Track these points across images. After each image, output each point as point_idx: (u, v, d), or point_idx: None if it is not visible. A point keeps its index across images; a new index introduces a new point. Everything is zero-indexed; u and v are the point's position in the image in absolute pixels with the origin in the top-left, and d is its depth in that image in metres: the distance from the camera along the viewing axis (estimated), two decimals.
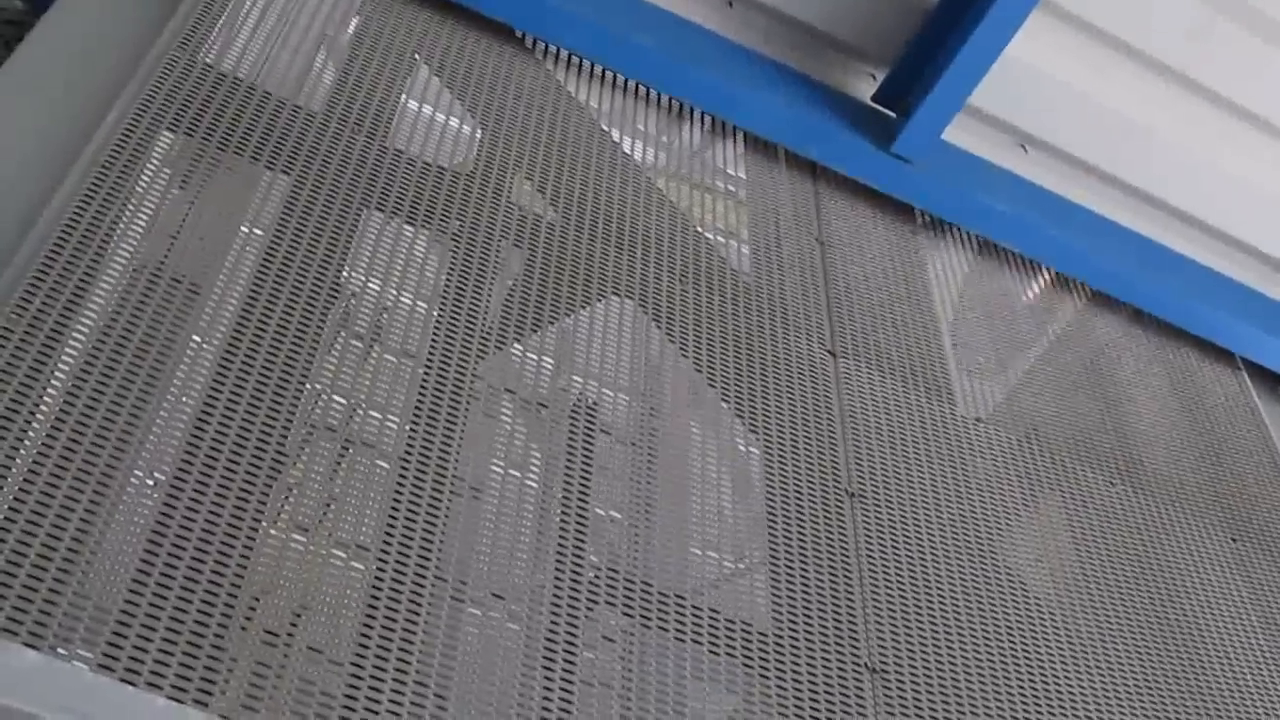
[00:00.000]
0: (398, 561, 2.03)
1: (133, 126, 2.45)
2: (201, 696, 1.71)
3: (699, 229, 3.09)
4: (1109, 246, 3.83)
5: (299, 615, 1.90)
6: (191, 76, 2.62)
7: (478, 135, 2.97)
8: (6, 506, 1.78)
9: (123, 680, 1.68)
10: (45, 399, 1.95)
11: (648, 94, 3.42)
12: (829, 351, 2.97)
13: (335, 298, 2.39)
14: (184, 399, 2.07)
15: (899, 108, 3.57)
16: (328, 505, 2.07)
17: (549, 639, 2.08)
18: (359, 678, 1.86)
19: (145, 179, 2.37)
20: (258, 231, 2.43)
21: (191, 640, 1.77)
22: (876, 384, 2.97)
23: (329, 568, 1.99)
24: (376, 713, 1.83)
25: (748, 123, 3.48)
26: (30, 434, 1.89)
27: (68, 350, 2.03)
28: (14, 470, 1.83)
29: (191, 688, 1.72)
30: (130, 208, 2.30)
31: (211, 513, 1.94)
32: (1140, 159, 3.87)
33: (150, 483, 1.94)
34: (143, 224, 2.30)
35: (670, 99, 3.44)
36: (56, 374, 1.99)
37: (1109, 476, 3.15)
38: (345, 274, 2.45)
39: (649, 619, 2.21)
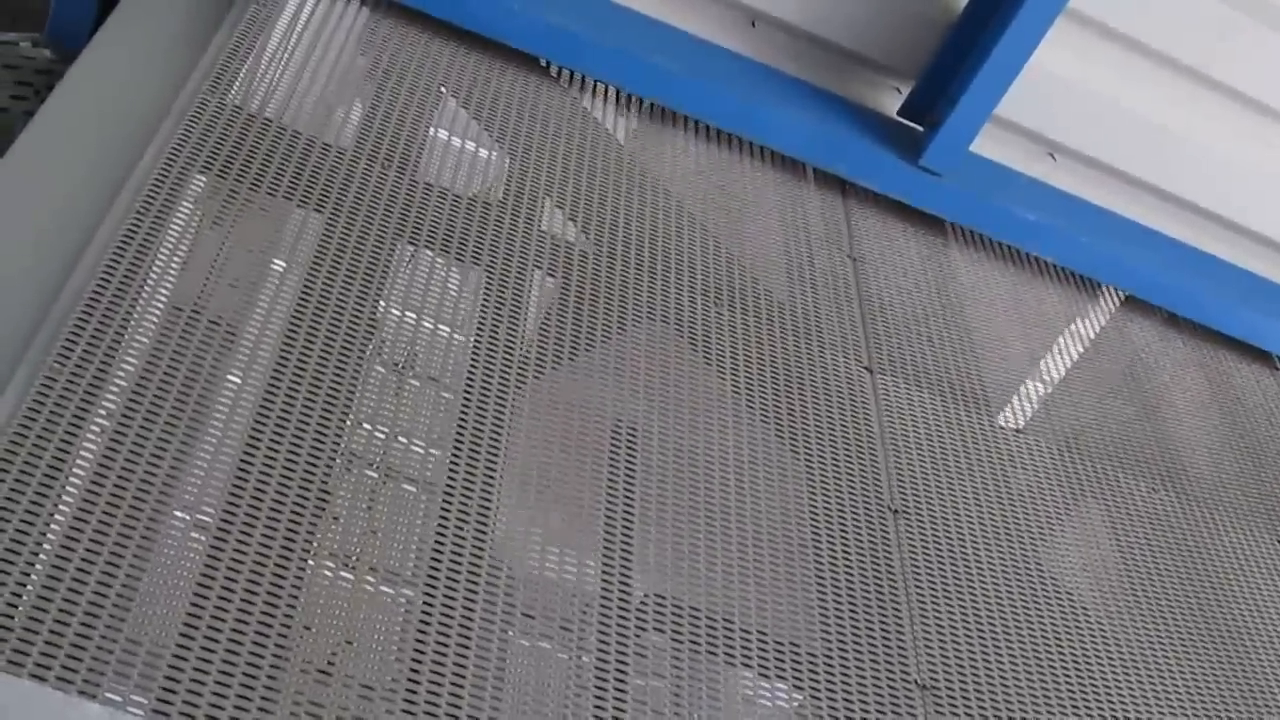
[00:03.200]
0: (446, 592, 2.04)
1: (166, 170, 2.46)
2: None
3: (730, 251, 3.09)
4: (1141, 251, 3.82)
5: (347, 651, 1.90)
6: (222, 118, 2.63)
7: (506, 165, 2.98)
8: (55, 557, 1.79)
9: None
10: (88, 444, 1.96)
11: (674, 117, 3.43)
12: (865, 368, 2.97)
13: (372, 331, 2.40)
14: (227, 439, 2.08)
15: (925, 121, 3.57)
16: (373, 536, 2.08)
17: (599, 665, 2.08)
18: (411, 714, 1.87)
19: (180, 221, 2.39)
20: (293, 269, 2.44)
21: (244, 683, 1.78)
22: (914, 398, 2.96)
23: (377, 602, 1.99)
24: None
25: (775, 141, 3.48)
26: (76, 479, 1.91)
27: (109, 393, 2.04)
28: (61, 516, 1.85)
29: None
30: (166, 251, 2.32)
31: (260, 553, 1.95)
32: (1169, 162, 3.86)
33: (196, 524, 1.95)
34: (179, 266, 2.32)
35: (696, 122, 3.45)
36: (98, 418, 2.00)
37: (1150, 483, 3.14)
38: (381, 307, 2.46)
39: (698, 643, 2.21)
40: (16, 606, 1.72)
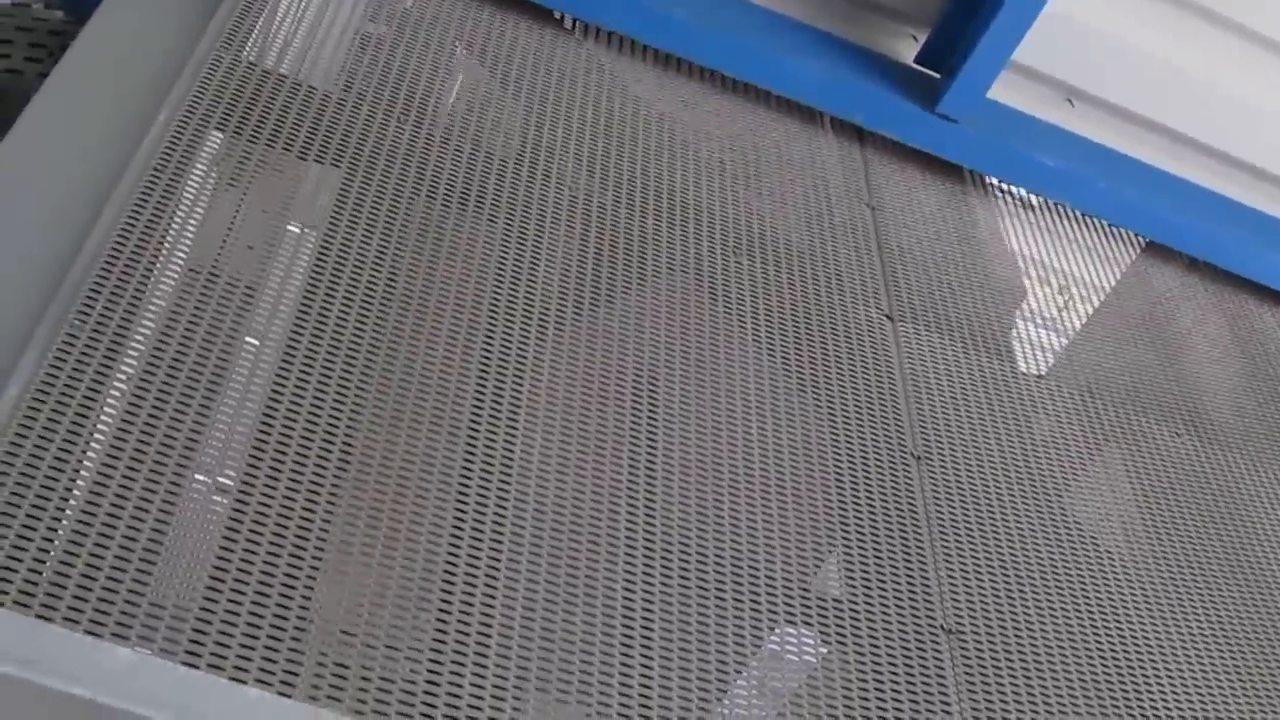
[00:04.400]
0: (471, 544, 2.04)
1: (181, 129, 2.45)
2: (285, 688, 1.73)
3: (749, 201, 3.08)
4: (1161, 196, 3.79)
5: (376, 604, 1.91)
6: (236, 75, 2.63)
7: (523, 118, 2.97)
8: (81, 512, 1.80)
9: (210, 670, 1.70)
10: (111, 400, 1.96)
11: (690, 68, 3.42)
12: (886, 315, 2.96)
13: (391, 286, 2.39)
14: (249, 395, 2.09)
15: (942, 68, 3.54)
16: (401, 488, 2.08)
17: (625, 615, 2.08)
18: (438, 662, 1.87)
19: (196, 179, 2.38)
20: (311, 226, 2.44)
21: (272, 633, 1.78)
22: (936, 346, 2.95)
23: (400, 555, 1.99)
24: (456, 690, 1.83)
25: (791, 91, 3.46)
26: (100, 434, 1.91)
27: (130, 352, 2.04)
28: (86, 471, 1.85)
29: (275, 679, 1.74)
30: (184, 209, 2.31)
31: (284, 507, 1.95)
32: (1188, 106, 3.83)
33: (218, 484, 1.95)
34: (197, 224, 2.31)
35: (711, 72, 3.43)
36: (119, 376, 2.00)
37: (1173, 427, 3.13)
38: (398, 261, 2.46)
39: (724, 592, 2.21)
40: (44, 560, 1.73)
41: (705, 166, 3.11)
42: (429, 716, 1.80)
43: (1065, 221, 3.67)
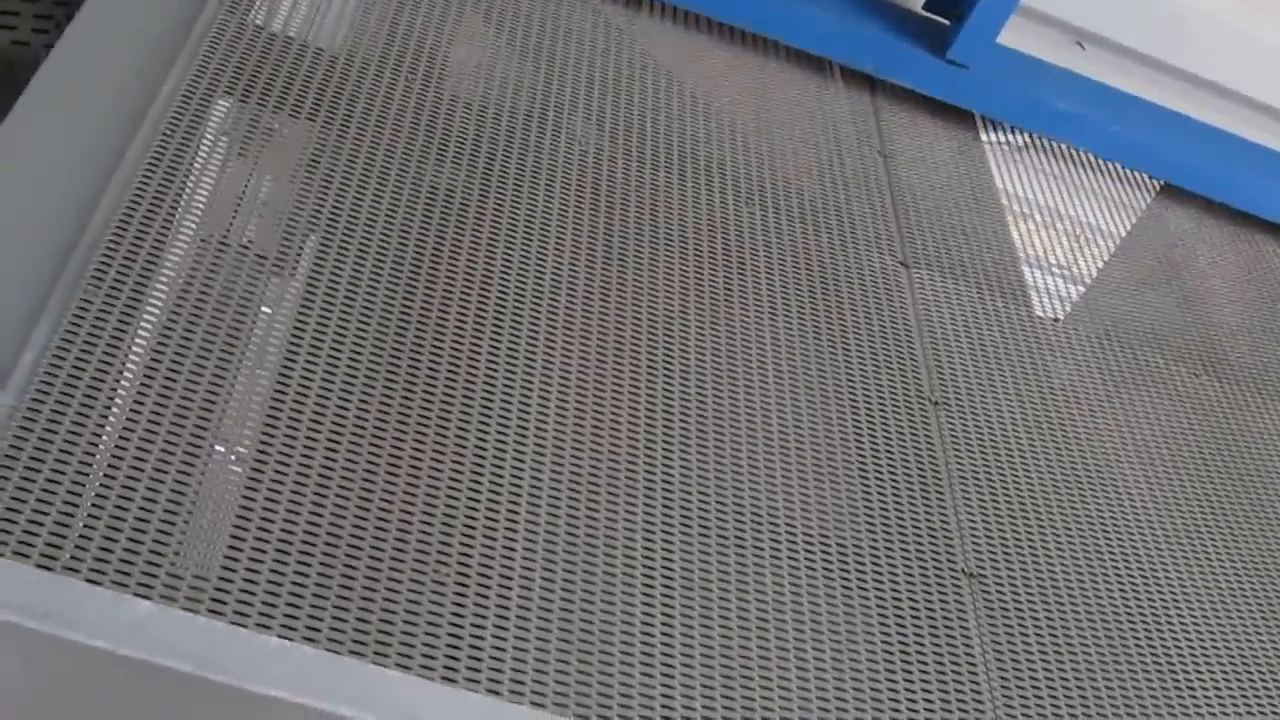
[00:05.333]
0: (490, 496, 2.05)
1: (189, 94, 2.45)
2: (311, 633, 1.75)
3: (761, 152, 3.07)
4: (1175, 138, 3.77)
5: (397, 556, 1.91)
6: (243, 40, 2.62)
7: (532, 75, 2.96)
8: (103, 476, 1.81)
9: (233, 624, 1.71)
10: (133, 357, 1.97)
11: (698, 20, 3.41)
12: (901, 263, 2.95)
13: (404, 246, 2.39)
14: (265, 356, 2.09)
15: (952, 14, 3.52)
16: (417, 448, 2.09)
17: (646, 563, 2.09)
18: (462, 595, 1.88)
19: (206, 145, 2.38)
20: (320, 187, 2.44)
21: (293, 590, 1.79)
22: (950, 292, 2.95)
23: (419, 508, 2.00)
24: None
25: (801, 41, 3.45)
26: (119, 396, 1.92)
27: (147, 313, 2.05)
28: (105, 432, 1.86)
29: (297, 634, 1.75)
30: (194, 174, 2.31)
31: (303, 462, 1.96)
32: (1199, 47, 3.81)
33: (239, 439, 1.96)
34: (207, 189, 2.31)
35: (721, 24, 3.42)
36: (140, 334, 2.01)
37: (1191, 368, 3.12)
38: (409, 220, 2.45)
39: (743, 539, 2.21)
40: (73, 514, 1.74)
41: (716, 119, 3.10)
42: (452, 668, 1.81)
43: (1077, 166, 3.65)
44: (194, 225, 2.24)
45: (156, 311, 2.06)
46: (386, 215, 2.43)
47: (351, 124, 2.58)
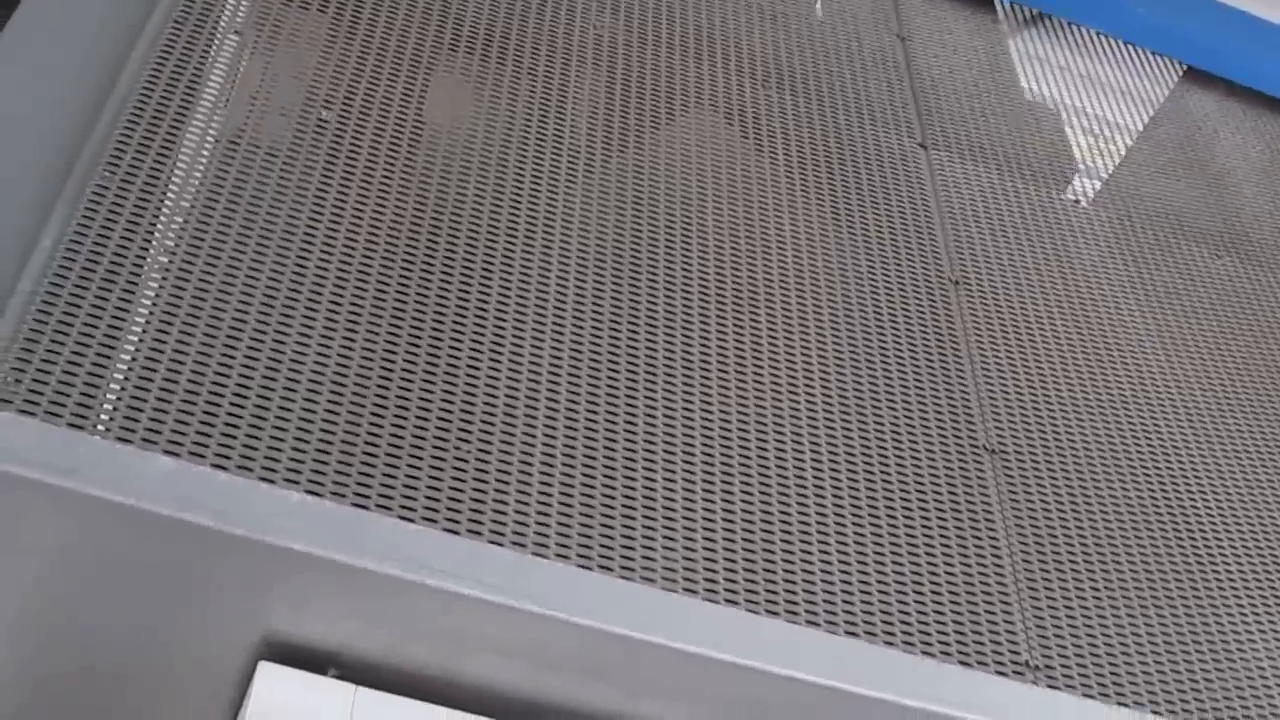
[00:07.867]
0: (508, 389, 2.05)
1: None
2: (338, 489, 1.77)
3: (777, 34, 3.04)
4: (1197, 21, 3.74)
5: (420, 418, 1.92)
6: None
7: None
8: (133, 351, 1.82)
9: (261, 479, 1.73)
10: (150, 254, 1.97)
11: None
12: (920, 144, 2.93)
13: (418, 135, 2.38)
14: (285, 239, 2.09)
15: None
16: (437, 326, 2.09)
17: (666, 448, 2.09)
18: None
19: (215, 40, 2.36)
20: (332, 80, 2.42)
21: (319, 452, 1.81)
22: (970, 174, 2.93)
23: (440, 378, 2.00)
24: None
25: None
26: (143, 265, 1.93)
27: (160, 211, 2.04)
28: (126, 308, 1.87)
29: (328, 481, 1.78)
30: (204, 69, 2.30)
31: (326, 329, 1.97)
32: None
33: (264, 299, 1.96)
34: (218, 83, 2.30)
35: None
36: (161, 208, 2.01)
37: (1213, 249, 3.10)
38: (423, 105, 2.44)
39: (764, 420, 2.21)
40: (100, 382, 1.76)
41: (733, 1, 3.07)
42: (475, 532, 1.82)
43: (1098, 48, 3.62)
44: (207, 111, 2.23)
45: (176, 187, 2.06)
46: (401, 99, 2.41)
47: (364, 8, 2.56)
